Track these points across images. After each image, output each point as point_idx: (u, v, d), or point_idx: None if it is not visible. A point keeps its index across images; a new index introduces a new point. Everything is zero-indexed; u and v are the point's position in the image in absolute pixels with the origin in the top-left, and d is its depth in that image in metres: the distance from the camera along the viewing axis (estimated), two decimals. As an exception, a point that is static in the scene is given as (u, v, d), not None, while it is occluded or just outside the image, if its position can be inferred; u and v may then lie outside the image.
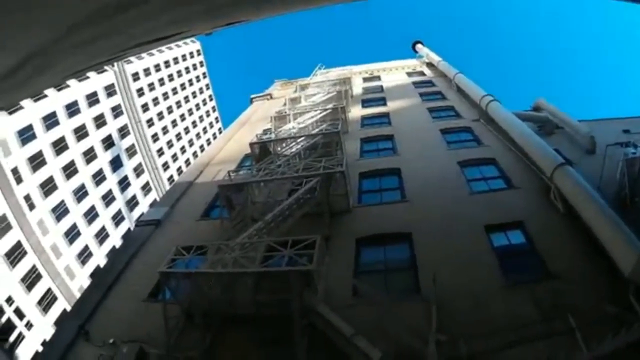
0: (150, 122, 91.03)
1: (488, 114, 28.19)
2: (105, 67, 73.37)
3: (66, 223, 63.09)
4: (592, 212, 14.85)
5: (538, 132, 24.38)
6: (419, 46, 55.71)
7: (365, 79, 48.45)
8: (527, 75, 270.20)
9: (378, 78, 48.18)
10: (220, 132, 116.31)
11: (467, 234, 16.69)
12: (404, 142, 26.76)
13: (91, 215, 68.32)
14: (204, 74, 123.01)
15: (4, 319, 49.03)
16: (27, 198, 56.35)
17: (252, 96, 46.57)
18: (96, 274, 50.19)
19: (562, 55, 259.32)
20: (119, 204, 75.44)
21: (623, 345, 9.86)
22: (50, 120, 62.05)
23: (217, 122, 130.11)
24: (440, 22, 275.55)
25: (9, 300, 50.58)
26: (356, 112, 35.07)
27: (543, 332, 11.36)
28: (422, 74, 47.49)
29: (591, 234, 14.47)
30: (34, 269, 55.13)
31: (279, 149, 24.45)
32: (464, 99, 34.20)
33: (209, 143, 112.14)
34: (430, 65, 49.25)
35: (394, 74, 49.16)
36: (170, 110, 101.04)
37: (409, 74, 47.91)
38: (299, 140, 24.55)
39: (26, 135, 57.38)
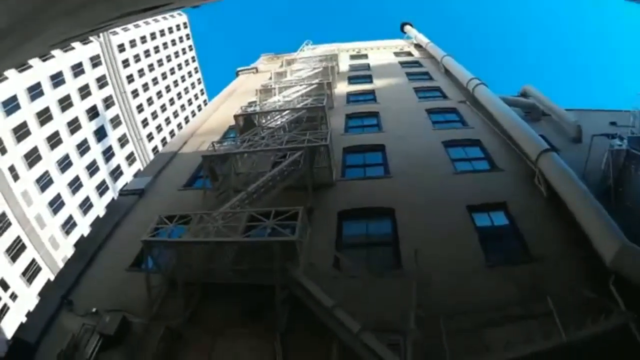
0: (135, 93, 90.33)
1: (475, 97, 28.22)
2: (91, 38, 72.45)
3: (50, 193, 62.84)
4: (576, 198, 14.99)
5: (524, 118, 24.39)
6: (407, 27, 55.51)
7: (352, 57, 48.19)
8: (514, 62, 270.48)
9: (365, 56, 47.96)
10: (205, 104, 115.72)
11: (450, 213, 16.80)
12: (389, 119, 26.78)
13: (75, 185, 67.97)
14: (190, 46, 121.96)
15: (-12, 291, 48.82)
16: (12, 169, 55.90)
17: (238, 69, 46.16)
18: (80, 243, 50.10)
19: (550, 44, 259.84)
20: (103, 174, 75.03)
21: (600, 332, 10.00)
22: (35, 91, 61.41)
23: (202, 94, 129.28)
24: (430, 7, 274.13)
25: (-6, 271, 50.33)
26: (342, 88, 34.93)
27: (522, 314, 11.48)
28: (409, 54, 47.35)
29: (574, 220, 14.58)
30: (18, 239, 54.94)
31: (263, 121, 24.37)
32: (451, 81, 34.17)
33: (193, 115, 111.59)
34: (418, 46, 49.08)
35: (382, 53, 48.89)
36: (155, 81, 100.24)
37: (397, 54, 47.70)
38: (283, 113, 24.49)
39: (10, 105, 56.79)
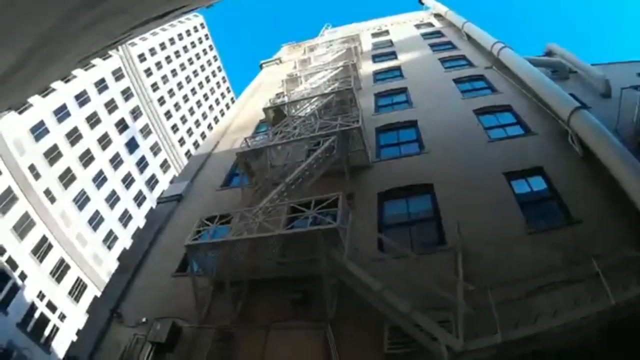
0: (161, 101, 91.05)
1: (500, 61, 27.57)
2: (110, 53, 73.08)
3: (89, 211, 63.62)
4: (612, 155, 14.59)
5: (552, 77, 23.83)
6: (425, -3, 54.81)
7: (373, 35, 47.60)
8: (536, 20, 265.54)
9: (387, 33, 47.32)
10: (232, 102, 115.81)
11: (488, 182, 16.54)
12: (418, 94, 26.39)
13: (112, 199, 68.82)
14: (210, 46, 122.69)
15: (37, 315, 49.68)
16: (47, 192, 56.67)
17: (262, 62, 46.07)
18: (123, 256, 50.74)
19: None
20: (139, 184, 75.89)
21: None
22: (61, 113, 62.16)
23: (228, 92, 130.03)
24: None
25: (40, 295, 51.21)
26: (367, 68, 34.49)
27: (568, 278, 11.23)
28: (430, 25, 46.52)
29: (612, 177, 14.22)
30: (61, 260, 55.73)
31: (293, 111, 24.19)
32: (475, 47, 33.46)
33: (222, 114, 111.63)
34: (438, 16, 48.10)
35: (402, 27, 48.15)
36: (180, 86, 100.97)
37: (418, 27, 46.89)
38: (312, 100, 24.33)
39: (39, 131, 57.49)
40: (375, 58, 37.61)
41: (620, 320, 9.76)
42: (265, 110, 24.36)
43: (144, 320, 14.51)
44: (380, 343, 11.56)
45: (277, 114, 24.04)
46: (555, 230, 13.77)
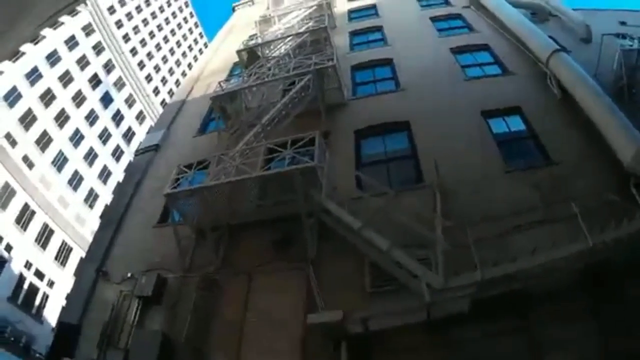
0: (133, 51, 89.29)
1: (478, 1, 27.16)
2: (78, 8, 71.15)
3: (68, 172, 62.85)
4: (591, 100, 14.60)
5: (531, 19, 23.67)
6: None
7: (348, -28, 46.61)
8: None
9: (362, -30, 46.32)
10: (206, 47, 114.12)
11: (466, 120, 16.52)
12: (393, 32, 26.02)
13: (91, 157, 67.96)
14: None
15: (26, 285, 49.54)
16: (25, 158, 55.55)
17: (234, 4, 45.06)
18: (104, 213, 50.49)
19: None
20: (116, 139, 74.91)
21: (624, 235, 9.82)
22: (33, 76, 60.42)
23: (201, 37, 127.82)
24: None
25: (27, 265, 50.98)
26: (342, 6, 33.88)
27: (545, 218, 11.32)
28: (406, -38, 45.64)
29: (589, 120, 14.25)
30: (44, 226, 55.17)
31: (267, 52, 23.77)
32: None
33: (196, 60, 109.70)
34: (414, -48, 47.24)
35: (378, -35, 47.15)
36: (152, 35, 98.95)
37: (394, -36, 45.98)
38: (286, 40, 23.97)
39: (12, 97, 55.97)
40: (350, -4, 36.89)
41: (595, 263, 9.88)
42: (238, 52, 24.01)
43: (129, 275, 14.48)
44: (362, 282, 11.75)
45: (251, 55, 23.65)
46: (533, 170, 13.88)
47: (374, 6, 31.99)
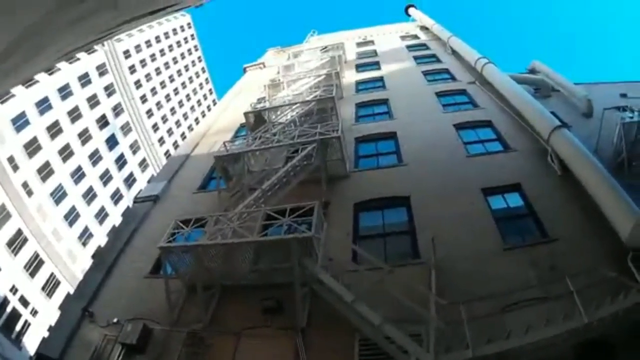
0: (143, 99, 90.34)
1: (484, 77, 27.87)
2: (95, 47, 72.40)
3: (65, 206, 62.83)
4: (590, 175, 14.83)
5: (534, 95, 24.19)
6: (411, 10, 54.95)
7: (358, 44, 47.72)
8: (522, 37, 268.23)
9: (372, 42, 47.43)
10: (214, 104, 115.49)
11: (465, 197, 16.64)
12: (399, 106, 26.50)
13: (90, 195, 68.03)
14: (195, 46, 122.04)
15: (9, 309, 49.06)
16: (25, 185, 55.88)
17: (245, 66, 45.86)
18: (97, 254, 50.27)
19: (557, 17, 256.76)
20: (117, 182, 75.13)
21: (621, 311, 9.86)
22: (43, 105, 61.42)
23: (210, 94, 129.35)
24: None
25: (13, 289, 50.56)
26: (350, 77, 34.61)
27: (542, 296, 11.38)
28: (415, 37, 46.79)
29: (589, 197, 14.42)
30: (35, 255, 54.97)
31: (273, 117, 24.24)
32: (459, 62, 33.68)
33: (203, 115, 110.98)
34: (424, 28, 48.46)
35: (388, 38, 48.32)
36: (163, 85, 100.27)
37: (403, 38, 47.16)
38: (293, 107, 24.36)
39: (20, 122, 56.79)
40: (359, 67, 37.76)
41: (592, 339, 9.88)
42: (246, 114, 24.36)
43: (115, 320, 14.38)
44: (350, 354, 11.63)
45: (257, 118, 24.02)
46: (531, 248, 13.90)
47: (381, 78, 32.70)
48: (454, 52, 35.98)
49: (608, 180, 14.15)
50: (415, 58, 37.55)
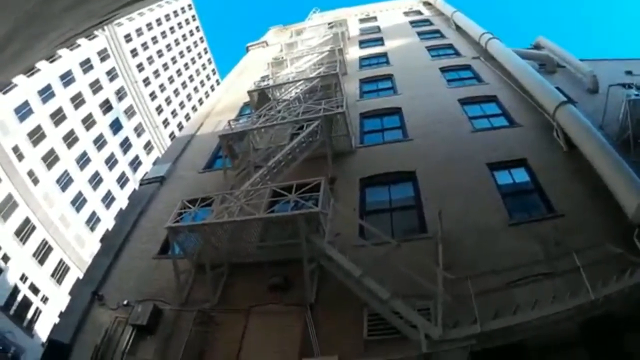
0: (146, 81, 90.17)
1: (488, 52, 27.67)
2: (96, 33, 72.14)
3: (72, 192, 63.17)
4: (596, 151, 14.68)
5: (539, 71, 23.93)
6: (414, -15, 54.53)
7: (361, 20, 47.45)
8: (526, 13, 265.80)
9: (374, 19, 47.20)
10: (218, 84, 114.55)
11: (471, 172, 16.57)
12: (403, 81, 26.36)
13: (96, 180, 68.31)
14: (197, 27, 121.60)
15: (19, 297, 49.52)
16: (31, 173, 56.12)
17: (248, 45, 45.57)
18: (105, 238, 50.44)
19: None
20: (122, 166, 75.39)
21: (627, 287, 9.83)
22: (46, 93, 61.43)
23: (214, 74, 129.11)
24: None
25: (23, 278, 50.98)
26: (354, 53, 34.46)
27: (548, 271, 11.40)
28: (419, 13, 46.32)
29: (595, 173, 14.32)
30: (44, 242, 55.34)
31: (278, 94, 24.16)
32: (463, 37, 33.41)
33: (207, 96, 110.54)
34: (427, 4, 47.90)
35: (391, 14, 47.98)
36: (165, 67, 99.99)
37: (406, 14, 46.73)
38: (297, 84, 24.27)
39: (23, 111, 56.87)
40: (362, 44, 37.53)
41: (598, 316, 9.89)
42: (249, 92, 24.24)
43: (125, 302, 14.47)
44: (359, 329, 11.65)
45: (261, 96, 23.95)
46: (537, 223, 13.81)
47: (385, 54, 32.49)
48: (458, 28, 35.62)
49: (614, 157, 14.05)
50: (419, 34, 37.27)
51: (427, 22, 41.59)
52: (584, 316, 9.91)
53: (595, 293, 9.57)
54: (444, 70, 27.39)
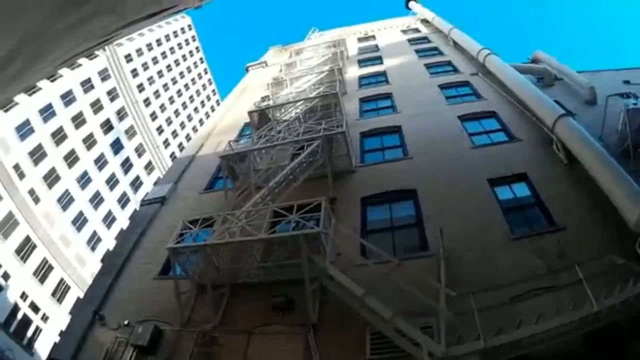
0: (147, 102, 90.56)
1: (486, 68, 27.83)
2: (97, 53, 72.51)
3: (72, 211, 63.19)
4: (596, 163, 14.74)
5: (537, 84, 24.04)
6: (412, 3, 54.59)
7: (360, 39, 47.76)
8: (523, 27, 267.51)
9: (373, 37, 47.47)
10: (218, 105, 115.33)
11: (472, 188, 16.61)
12: (403, 99, 26.47)
13: (96, 200, 68.40)
14: (197, 48, 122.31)
15: (20, 315, 49.34)
16: (32, 192, 56.27)
17: (248, 65, 45.83)
18: (106, 258, 50.47)
19: (558, 6, 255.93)
20: (123, 186, 75.46)
21: (631, 297, 9.83)
22: (47, 112, 61.65)
23: (214, 94, 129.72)
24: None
25: (23, 296, 50.85)
26: (353, 72, 34.58)
27: (551, 284, 11.41)
28: (417, 31, 46.64)
29: (596, 185, 14.35)
30: (44, 261, 55.29)
31: (278, 114, 24.20)
32: (461, 53, 33.61)
33: (207, 116, 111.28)
34: (425, 22, 48.22)
35: (389, 32, 48.31)
36: (166, 87, 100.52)
37: (404, 32, 47.05)
38: (297, 104, 24.30)
39: (24, 130, 57.09)
40: (361, 63, 37.74)
41: (602, 326, 9.85)
42: (250, 113, 24.29)
43: (126, 322, 14.47)
44: (362, 348, 11.65)
45: (262, 117, 24.00)
46: (539, 237, 13.80)
47: (384, 73, 32.70)
48: (456, 45, 35.86)
49: (614, 167, 14.09)
50: (417, 51, 37.53)
51: (425, 39, 41.87)
52: (588, 328, 9.88)
53: (599, 304, 9.61)
54: (443, 87, 27.51)
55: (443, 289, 11.24)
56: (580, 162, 15.62)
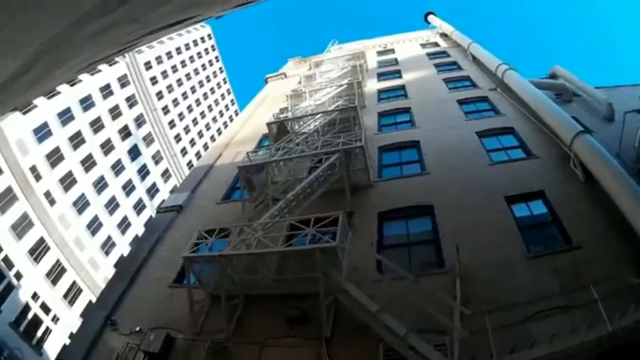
0: (165, 110, 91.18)
1: (504, 83, 27.67)
2: (116, 59, 73.23)
3: (88, 215, 63.72)
4: (613, 181, 14.57)
5: (555, 100, 23.91)
6: (431, 17, 54.71)
7: (379, 53, 47.73)
8: (542, 42, 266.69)
9: (392, 51, 47.43)
10: (236, 115, 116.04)
11: (489, 205, 16.45)
12: (421, 114, 26.42)
13: (112, 205, 68.89)
14: (216, 57, 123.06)
15: (30, 315, 49.62)
16: (48, 194, 56.88)
17: (267, 76, 46.15)
18: (120, 263, 50.63)
19: (576, 21, 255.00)
20: (139, 192, 75.94)
21: None
22: (66, 116, 62.36)
23: (232, 104, 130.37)
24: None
25: (35, 296, 51.18)
26: (372, 86, 34.58)
27: (566, 303, 11.28)
28: (436, 44, 46.68)
29: (612, 203, 14.18)
30: (58, 263, 55.74)
31: (296, 127, 24.27)
32: (480, 68, 33.55)
33: (225, 126, 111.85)
34: (444, 35, 48.30)
35: (408, 46, 48.34)
36: (185, 96, 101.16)
37: (423, 46, 47.08)
38: (316, 117, 24.35)
39: (42, 132, 57.74)
40: (380, 76, 37.75)
41: (616, 346, 9.72)
42: (268, 124, 24.39)
43: (138, 329, 14.54)
44: (375, 364, 11.51)
45: (280, 129, 24.08)
46: (555, 255, 13.64)
47: (403, 87, 32.65)
48: (475, 59, 35.80)
49: (631, 186, 13.94)
50: (436, 66, 37.50)
51: (444, 53, 41.86)
52: (602, 348, 9.73)
53: (613, 324, 9.50)
54: (461, 102, 27.42)
55: (457, 307, 11.19)
56: (597, 180, 15.47)
